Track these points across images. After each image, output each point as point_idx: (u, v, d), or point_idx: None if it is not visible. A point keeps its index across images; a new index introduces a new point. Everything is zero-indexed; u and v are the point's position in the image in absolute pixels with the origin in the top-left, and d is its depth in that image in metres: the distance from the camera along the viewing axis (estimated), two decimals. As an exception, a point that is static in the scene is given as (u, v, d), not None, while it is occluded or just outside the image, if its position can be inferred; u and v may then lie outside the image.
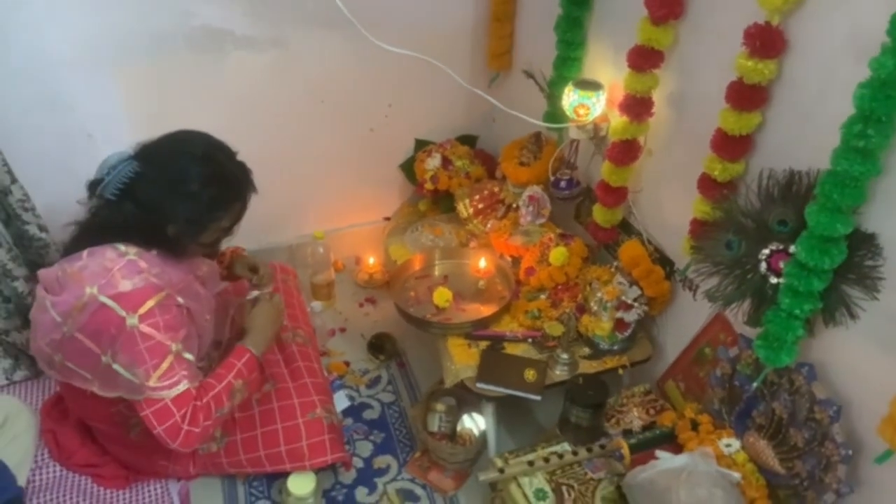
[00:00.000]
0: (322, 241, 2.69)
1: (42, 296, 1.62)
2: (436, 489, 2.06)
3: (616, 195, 2.00)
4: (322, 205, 2.76)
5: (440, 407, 2.13)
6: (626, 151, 1.92)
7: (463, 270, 2.28)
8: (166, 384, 1.56)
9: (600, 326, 1.98)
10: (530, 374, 1.91)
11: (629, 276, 1.97)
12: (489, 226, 2.41)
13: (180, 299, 1.63)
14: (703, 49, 1.70)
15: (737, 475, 1.57)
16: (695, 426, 1.78)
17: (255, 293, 1.92)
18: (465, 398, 2.12)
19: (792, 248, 1.45)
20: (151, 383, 1.54)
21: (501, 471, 1.82)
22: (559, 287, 2.11)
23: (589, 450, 1.87)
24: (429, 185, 2.58)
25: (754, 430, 1.67)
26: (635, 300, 1.96)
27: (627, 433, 1.91)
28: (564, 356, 1.95)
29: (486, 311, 2.08)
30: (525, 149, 2.41)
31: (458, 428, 2.10)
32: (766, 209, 1.52)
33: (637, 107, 1.84)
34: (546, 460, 1.84)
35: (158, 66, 2.19)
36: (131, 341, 1.52)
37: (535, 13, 2.39)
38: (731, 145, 1.58)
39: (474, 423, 2.10)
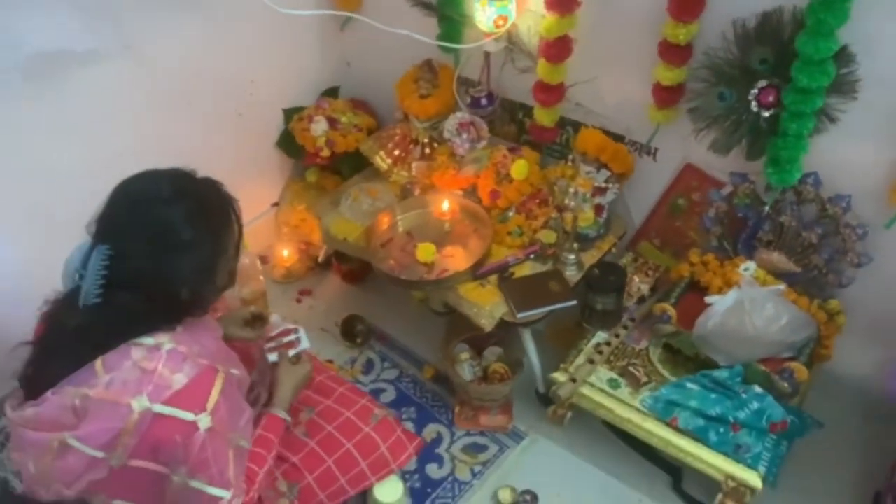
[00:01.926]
0: (247, 250, 2.41)
1: (44, 438, 1.26)
2: (494, 430, 2.08)
3: (556, 92, 2.07)
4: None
5: (464, 356, 2.12)
6: (561, 48, 1.98)
7: (424, 220, 2.21)
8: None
9: (584, 217, 2.08)
10: (554, 286, 1.98)
11: (595, 162, 2.09)
12: (414, 168, 2.35)
13: (234, 371, 1.40)
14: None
15: (781, 286, 1.83)
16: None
17: (273, 357, 1.64)
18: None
19: (774, 81, 1.67)
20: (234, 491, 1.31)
21: (574, 380, 1.91)
22: (526, 199, 2.16)
23: (625, 327, 2.03)
24: (325, 152, 2.41)
25: (762, 248, 1.93)
26: (607, 182, 2.09)
27: (641, 300, 2.10)
28: (571, 256, 2.04)
29: (478, 247, 2.07)
30: (421, 80, 2.36)
31: (486, 367, 2.11)
32: (745, 54, 1.70)
33: (564, 0, 1.90)
34: (599, 352, 1.97)
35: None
36: (208, 446, 1.27)
37: None
38: (689, 7, 1.73)
39: (495, 356, 2.14)
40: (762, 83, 1.70)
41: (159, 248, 1.27)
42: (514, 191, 2.14)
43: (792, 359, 1.79)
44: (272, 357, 1.64)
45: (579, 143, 2.09)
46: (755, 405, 1.75)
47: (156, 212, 1.29)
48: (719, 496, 1.80)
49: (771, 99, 1.70)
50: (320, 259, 2.54)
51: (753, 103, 1.72)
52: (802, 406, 1.85)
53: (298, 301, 2.52)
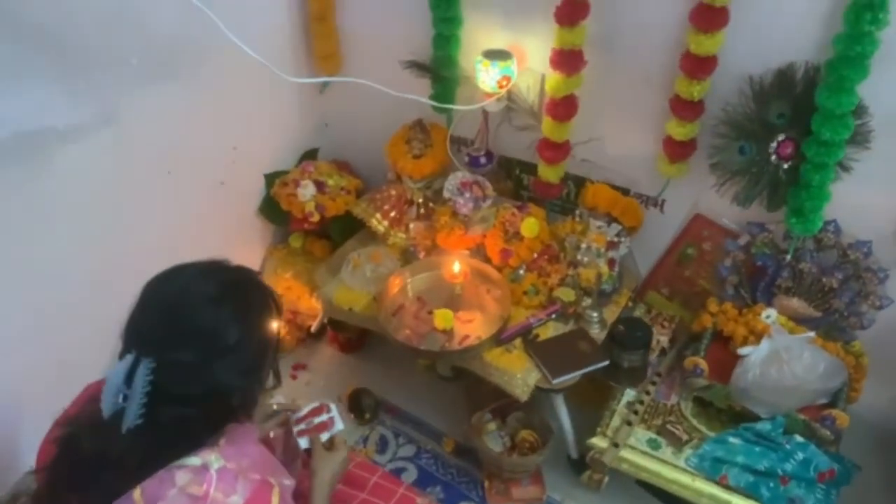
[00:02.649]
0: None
1: None
2: (528, 503, 2.02)
3: (562, 150, 2.07)
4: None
5: (491, 426, 2.05)
6: (567, 106, 1.98)
7: (433, 283, 2.15)
8: None
9: (597, 272, 2.08)
10: (583, 346, 1.95)
11: (605, 217, 2.09)
12: (412, 229, 2.29)
13: (286, 481, 1.29)
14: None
15: (812, 333, 1.87)
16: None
17: (304, 442, 1.48)
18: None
19: (792, 134, 1.72)
20: None
21: (616, 444, 1.88)
22: (536, 256, 2.14)
23: (653, 382, 2.02)
24: (315, 217, 2.32)
25: (781, 294, 1.97)
26: (618, 236, 2.10)
27: (662, 352, 2.10)
28: (594, 314, 2.02)
29: (495, 310, 2.02)
30: (413, 140, 2.32)
31: (513, 435, 2.06)
32: (763, 109, 1.75)
33: (571, 61, 1.91)
34: (635, 412, 1.95)
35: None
36: None
37: (355, 7, 2.26)
38: (701, 65, 1.76)
39: (519, 422, 2.09)
40: (780, 136, 1.75)
41: (209, 353, 1.16)
42: (525, 249, 2.11)
43: (828, 405, 1.82)
44: (303, 442, 1.50)
45: (588, 199, 2.09)
46: (800, 456, 1.77)
47: (201, 315, 1.18)
48: (771, 551, 1.79)
49: (790, 151, 1.74)
50: (313, 329, 2.42)
51: (773, 156, 1.76)
52: (838, 451, 1.87)
53: (293, 377, 2.39)
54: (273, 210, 2.42)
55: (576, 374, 1.89)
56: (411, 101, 2.02)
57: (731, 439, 1.84)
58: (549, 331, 2.01)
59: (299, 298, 2.42)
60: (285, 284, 2.44)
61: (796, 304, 1.95)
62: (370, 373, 2.36)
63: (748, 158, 1.78)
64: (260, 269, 2.53)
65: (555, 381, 1.86)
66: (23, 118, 1.63)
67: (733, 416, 1.89)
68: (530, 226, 2.10)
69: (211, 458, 1.15)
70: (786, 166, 1.77)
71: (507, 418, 2.09)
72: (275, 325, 1.31)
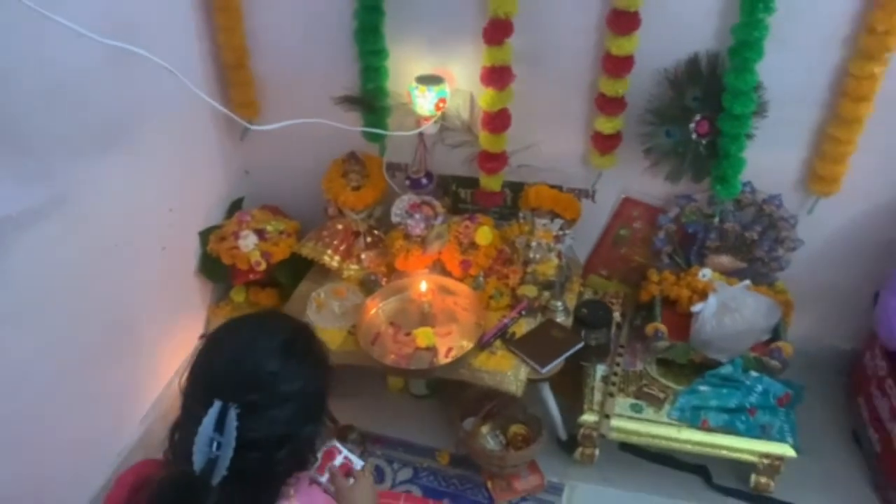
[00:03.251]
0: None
1: None
2: (533, 492, 2.15)
3: (500, 160, 2.23)
4: (146, 370, 2.21)
5: (485, 429, 2.17)
6: (502, 119, 2.15)
7: (402, 306, 2.22)
8: None
9: (551, 266, 2.26)
10: (557, 333, 2.12)
11: (548, 214, 2.28)
12: (364, 259, 2.36)
13: None
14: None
15: (747, 281, 2.16)
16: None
17: (324, 478, 1.49)
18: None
19: (706, 114, 2.00)
20: None
21: (607, 416, 2.06)
22: (492, 262, 2.28)
23: (620, 355, 2.23)
24: (262, 266, 2.32)
25: (711, 254, 2.25)
26: (561, 229, 2.29)
27: (618, 327, 2.32)
28: (559, 304, 2.19)
29: (468, 319, 2.15)
30: (350, 173, 2.38)
31: (504, 432, 2.19)
32: (679, 95, 2.01)
33: (501, 76, 2.07)
34: (613, 384, 2.14)
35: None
36: None
37: (270, 52, 2.30)
38: (622, 64, 2.00)
39: (508, 421, 2.21)
40: (697, 117, 2.01)
41: (279, 399, 1.20)
42: (482, 257, 2.25)
43: (771, 340, 2.11)
44: (322, 479, 1.50)
45: (532, 199, 2.27)
46: (759, 388, 2.04)
47: (270, 364, 1.21)
48: (753, 477, 2.05)
49: (706, 128, 2.01)
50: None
51: (693, 135, 2.02)
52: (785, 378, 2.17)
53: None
54: (212, 267, 2.38)
55: (560, 360, 2.04)
56: (335, 138, 2.10)
57: (701, 387, 2.07)
58: (523, 327, 2.14)
59: None
60: None
61: (725, 260, 2.24)
62: (343, 407, 2.35)
63: (674, 140, 2.04)
64: (204, 332, 2.47)
65: (544, 371, 2.01)
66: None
67: (694, 369, 2.13)
68: (485, 234, 2.24)
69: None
70: (704, 142, 2.04)
71: (496, 418, 2.20)
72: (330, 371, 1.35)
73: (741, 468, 2.08)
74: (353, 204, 2.34)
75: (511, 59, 2.05)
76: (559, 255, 2.27)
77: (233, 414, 1.11)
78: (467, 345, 2.07)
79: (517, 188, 2.34)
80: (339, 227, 2.37)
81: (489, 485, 2.15)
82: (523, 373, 2.01)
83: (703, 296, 2.17)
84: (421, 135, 2.25)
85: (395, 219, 2.31)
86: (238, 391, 1.14)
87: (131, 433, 2.11)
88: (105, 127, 1.85)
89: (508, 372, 2.00)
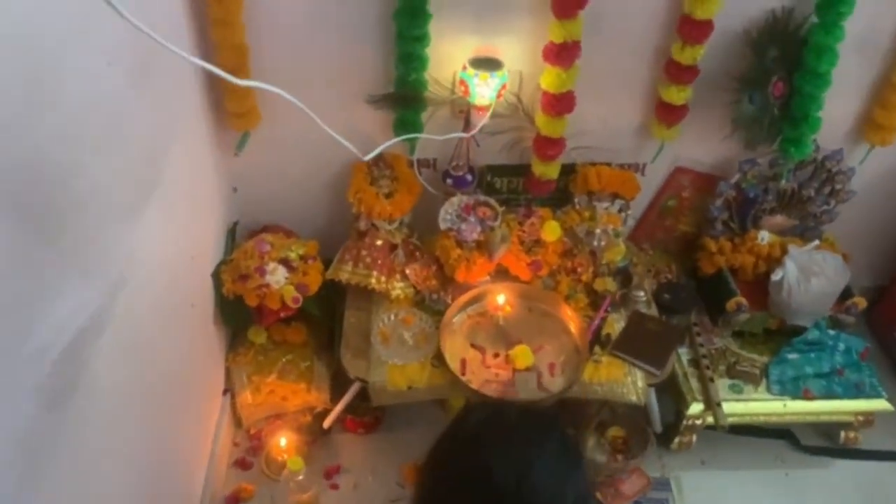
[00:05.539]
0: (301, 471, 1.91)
1: None
2: (642, 493, 2.12)
3: (559, 145, 2.06)
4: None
5: (590, 442, 2.09)
6: (566, 101, 1.96)
7: (475, 324, 2.04)
8: None
9: (618, 252, 2.17)
10: (652, 325, 2.05)
11: (609, 196, 2.19)
12: (410, 274, 2.13)
13: None
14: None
15: (816, 241, 2.22)
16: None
17: None
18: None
19: (782, 74, 1.99)
20: None
21: (718, 404, 2.07)
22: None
23: (698, 334, 2.23)
24: (291, 304, 2.02)
25: (766, 216, 2.29)
26: (621, 211, 2.21)
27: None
28: (640, 293, 2.13)
29: (555, 328, 2.04)
30: (381, 179, 2.11)
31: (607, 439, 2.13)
32: (760, 57, 1.95)
33: (570, 53, 1.89)
34: (707, 367, 2.14)
35: None
36: None
37: (276, 48, 1.93)
38: (700, 29, 1.89)
39: (601, 425, 2.15)
40: (773, 78, 1.99)
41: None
42: (551, 254, 2.10)
43: (845, 296, 2.20)
44: None
45: (592, 182, 2.14)
46: (842, 346, 2.13)
47: (559, 483, 1.13)
48: (843, 433, 2.17)
49: (782, 89, 2.00)
50: (327, 424, 2.14)
51: (770, 98, 2.01)
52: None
53: (334, 487, 2.08)
54: (232, 311, 2.02)
55: (671, 356, 2.00)
56: (334, 141, 1.85)
57: (790, 356, 2.11)
58: (614, 326, 2.06)
59: (285, 399, 2.11)
60: (267, 389, 2.10)
61: (779, 219, 2.27)
62: (409, 443, 2.17)
63: (756, 107, 2.00)
64: (227, 387, 2.13)
65: (662, 372, 1.95)
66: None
67: (767, 336, 2.19)
68: (553, 229, 2.09)
69: None
70: (778, 104, 2.03)
71: (591, 428, 2.13)
72: None
73: (825, 426, 2.18)
74: (391, 213, 2.08)
75: (581, 33, 1.88)
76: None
77: None
78: (572, 357, 1.95)
79: (566, 171, 2.19)
80: (379, 242, 2.10)
81: (598, 496, 2.09)
82: (641, 379, 1.93)
83: (767, 261, 2.21)
84: (468, 127, 2.03)
85: (443, 224, 2.09)
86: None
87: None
88: (139, 170, 1.45)
89: (626, 380, 1.92)
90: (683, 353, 2.17)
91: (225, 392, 2.11)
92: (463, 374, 1.91)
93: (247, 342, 2.13)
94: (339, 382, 2.08)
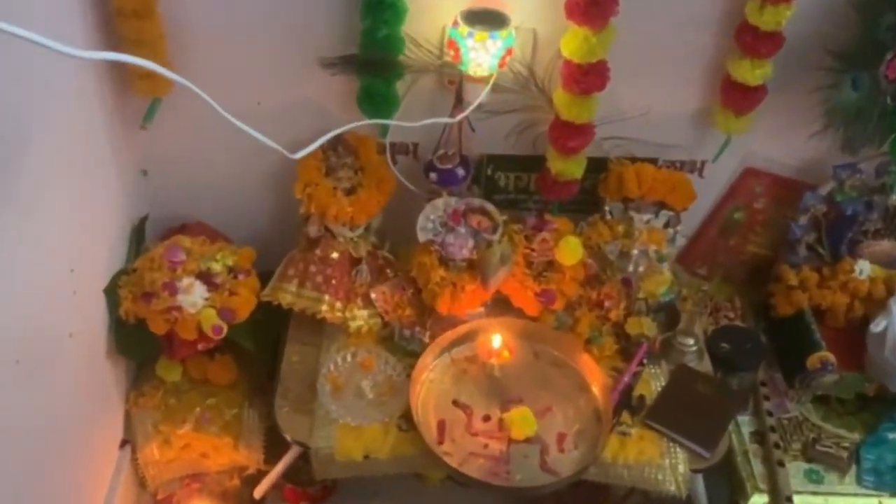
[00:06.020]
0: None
1: None
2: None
3: (586, 133, 1.64)
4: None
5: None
6: (597, 74, 1.53)
7: (460, 373, 1.61)
8: None
9: (662, 281, 1.72)
10: (702, 388, 1.63)
11: (653, 206, 1.71)
12: (375, 297, 1.68)
13: None
14: None
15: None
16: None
17: None
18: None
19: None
20: None
21: (789, 498, 1.61)
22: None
23: (766, 397, 1.73)
24: (211, 335, 1.54)
25: (868, 240, 1.82)
26: (667, 225, 1.74)
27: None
28: (690, 341, 1.68)
29: (567, 385, 1.58)
30: (340, 169, 1.65)
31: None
32: (872, 26, 1.51)
33: (603, 8, 1.43)
34: (777, 446, 1.68)
35: None
36: None
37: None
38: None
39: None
40: (889, 55, 1.52)
41: None
42: (569, 283, 1.67)
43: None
44: None
45: (629, 186, 1.70)
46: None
47: None
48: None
49: (902, 69, 1.49)
50: (259, 494, 1.68)
51: (883, 81, 1.51)
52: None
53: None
54: (131, 340, 1.61)
55: (725, 433, 1.54)
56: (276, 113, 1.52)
57: (891, 435, 1.70)
58: (648, 384, 1.62)
59: (205, 456, 1.70)
60: (180, 443, 1.68)
61: (886, 246, 1.84)
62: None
63: (862, 93, 1.54)
64: (126, 438, 1.69)
65: (713, 454, 1.51)
66: None
67: (863, 405, 1.76)
68: (572, 248, 1.64)
69: None
70: (892, 91, 1.53)
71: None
72: None
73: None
74: (354, 217, 1.63)
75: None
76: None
77: None
78: (590, 426, 1.52)
79: (595, 167, 1.75)
80: (335, 255, 1.66)
81: None
82: (683, 462, 1.50)
83: (866, 303, 1.77)
84: (458, 105, 1.56)
85: (423, 235, 1.66)
86: None
87: None
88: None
89: (664, 462, 1.49)
90: (744, 422, 1.75)
91: (123, 444, 1.70)
92: (440, 442, 1.53)
93: (155, 379, 1.76)
94: (277, 436, 1.69)
